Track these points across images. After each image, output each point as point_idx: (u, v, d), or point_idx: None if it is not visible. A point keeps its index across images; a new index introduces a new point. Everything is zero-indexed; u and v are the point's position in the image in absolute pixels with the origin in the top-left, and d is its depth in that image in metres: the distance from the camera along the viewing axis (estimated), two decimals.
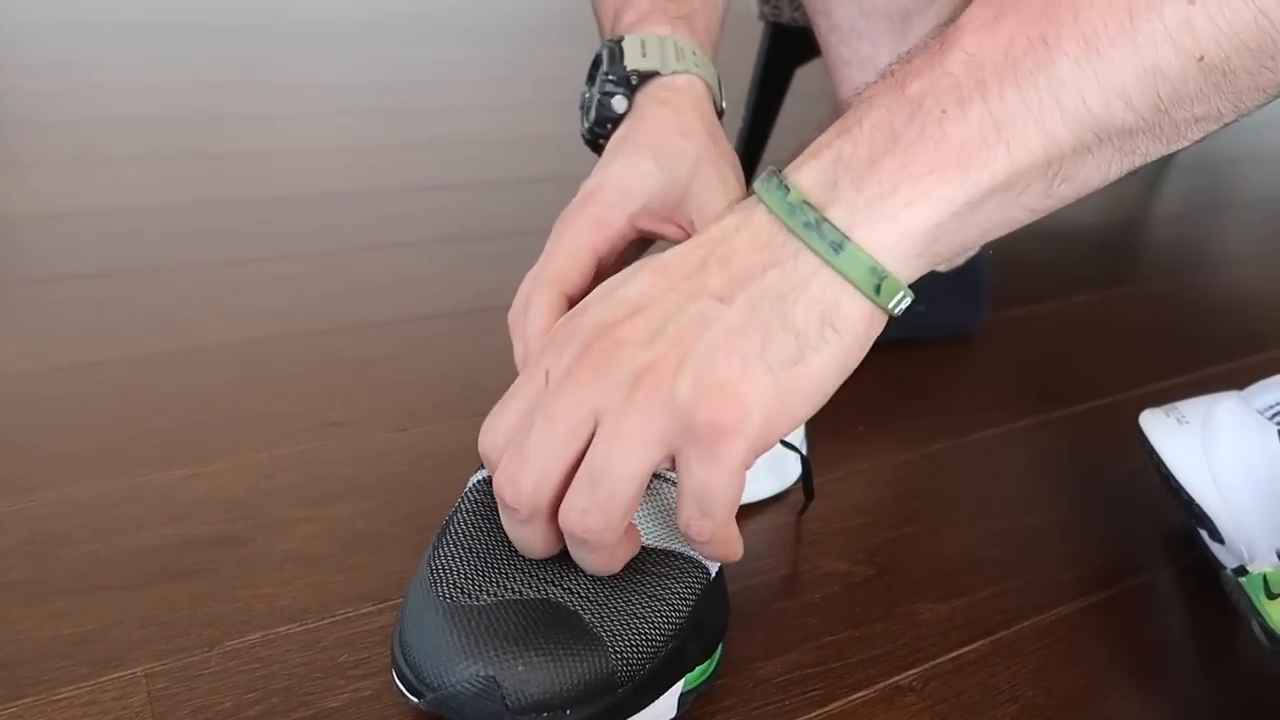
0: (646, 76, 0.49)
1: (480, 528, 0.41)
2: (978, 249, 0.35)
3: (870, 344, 0.35)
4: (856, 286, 0.33)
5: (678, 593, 0.40)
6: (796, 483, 0.56)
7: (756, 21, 0.99)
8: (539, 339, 0.41)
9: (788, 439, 0.52)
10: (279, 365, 0.66)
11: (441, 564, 0.39)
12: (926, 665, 0.46)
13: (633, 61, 0.49)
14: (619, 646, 0.37)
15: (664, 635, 0.39)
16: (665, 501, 0.43)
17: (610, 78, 0.49)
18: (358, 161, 1.06)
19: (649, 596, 0.39)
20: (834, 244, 0.33)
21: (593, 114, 0.50)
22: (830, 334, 0.34)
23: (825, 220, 0.33)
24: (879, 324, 0.35)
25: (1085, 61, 0.31)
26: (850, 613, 0.49)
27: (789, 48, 0.99)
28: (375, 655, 0.43)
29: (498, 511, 0.40)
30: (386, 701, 0.41)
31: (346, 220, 0.91)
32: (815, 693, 0.44)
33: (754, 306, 0.34)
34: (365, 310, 0.74)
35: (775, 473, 0.55)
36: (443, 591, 0.38)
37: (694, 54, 0.50)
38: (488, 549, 0.40)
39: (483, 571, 0.39)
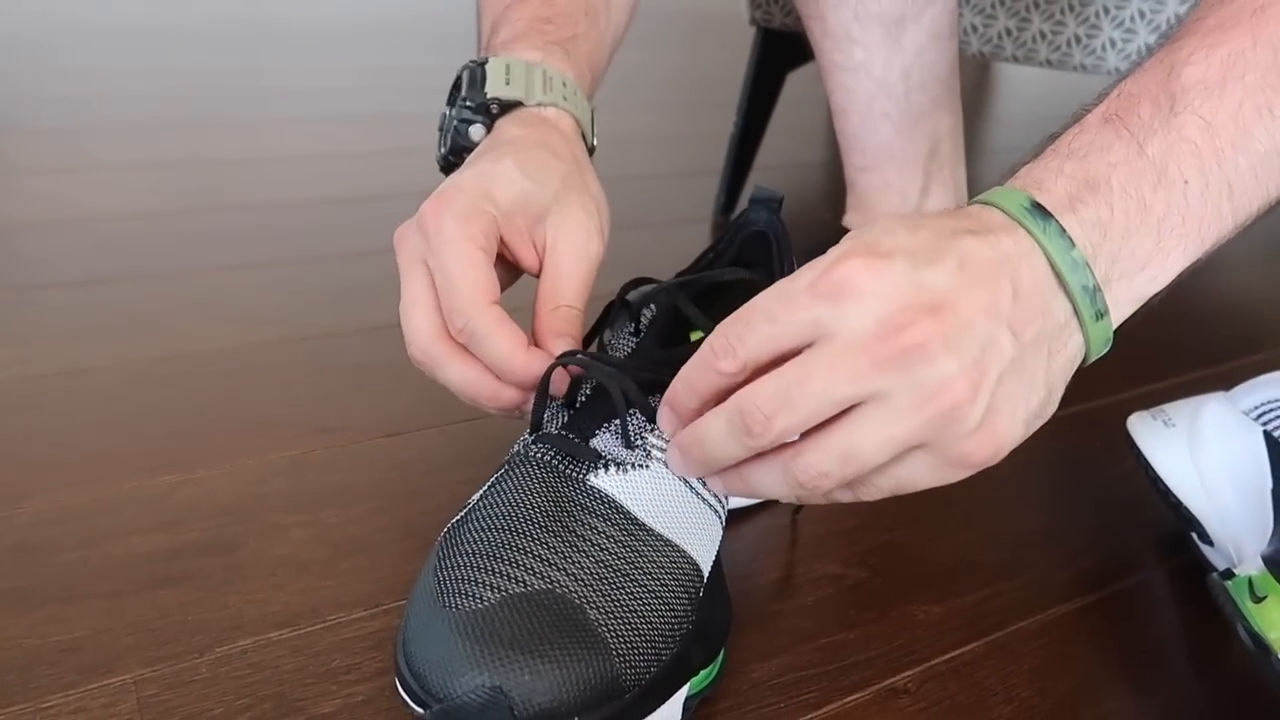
0: (509, 106, 0.46)
1: (485, 527, 0.40)
2: None
3: None
4: (1089, 350, 0.35)
5: (675, 593, 0.40)
6: None
7: (748, 26, 1.00)
8: (523, 363, 0.40)
9: None
10: (269, 371, 0.65)
11: (446, 569, 0.39)
12: (921, 667, 0.46)
13: (495, 88, 0.46)
14: (623, 650, 0.37)
15: (668, 639, 0.39)
16: (671, 490, 0.42)
17: (468, 104, 0.46)
18: (347, 167, 1.06)
19: (651, 595, 0.39)
20: (1098, 313, 0.34)
21: (449, 141, 0.47)
22: (1059, 394, 0.35)
23: (1099, 290, 0.34)
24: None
25: None
26: (845, 615, 0.49)
27: (780, 52, 0.99)
28: (367, 660, 0.43)
29: (502, 508, 0.40)
30: (379, 707, 0.41)
31: (336, 225, 0.90)
32: (810, 695, 0.44)
33: (1034, 350, 0.34)
34: (356, 316, 0.74)
35: None
36: (447, 600, 0.37)
37: (564, 85, 0.47)
38: (491, 543, 0.39)
39: (486, 566, 0.38)
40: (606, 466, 0.41)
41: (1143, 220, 0.34)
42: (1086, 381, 0.73)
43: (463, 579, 0.38)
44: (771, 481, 0.35)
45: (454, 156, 0.47)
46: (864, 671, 0.45)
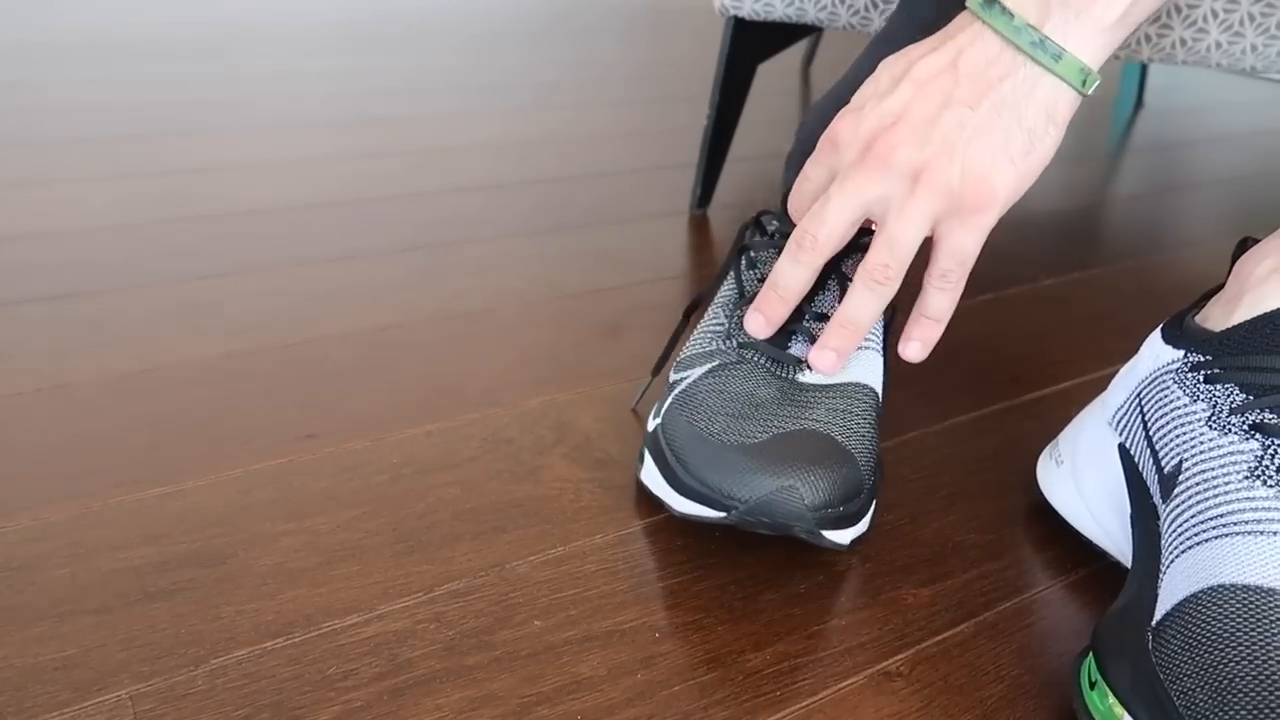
0: None
1: (727, 399, 0.51)
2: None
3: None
4: (1070, 84, 0.44)
5: (872, 419, 0.52)
6: None
7: (708, 19, 1.00)
8: None
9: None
10: (250, 380, 0.65)
11: (704, 423, 0.50)
12: (913, 650, 0.46)
13: None
14: (863, 461, 0.49)
15: (875, 457, 0.51)
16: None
17: None
18: (318, 173, 1.06)
19: (865, 423, 0.51)
20: (1054, 55, 0.43)
21: None
22: (1050, 127, 0.45)
23: (1047, 38, 0.43)
24: (1076, 106, 0.45)
25: None
26: (835, 601, 0.49)
27: (751, 43, 0.99)
28: (364, 666, 0.43)
29: (736, 387, 0.52)
30: (377, 712, 0.41)
31: (310, 232, 0.90)
32: (805, 682, 0.44)
33: (996, 111, 0.44)
34: (335, 321, 0.73)
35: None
36: (725, 440, 0.48)
37: None
38: (736, 412, 0.50)
39: (743, 424, 0.49)
40: (808, 369, 0.53)
41: None
42: (1061, 363, 0.74)
43: (729, 430, 0.49)
44: (865, 298, 0.48)
45: None
46: (857, 657, 0.46)
